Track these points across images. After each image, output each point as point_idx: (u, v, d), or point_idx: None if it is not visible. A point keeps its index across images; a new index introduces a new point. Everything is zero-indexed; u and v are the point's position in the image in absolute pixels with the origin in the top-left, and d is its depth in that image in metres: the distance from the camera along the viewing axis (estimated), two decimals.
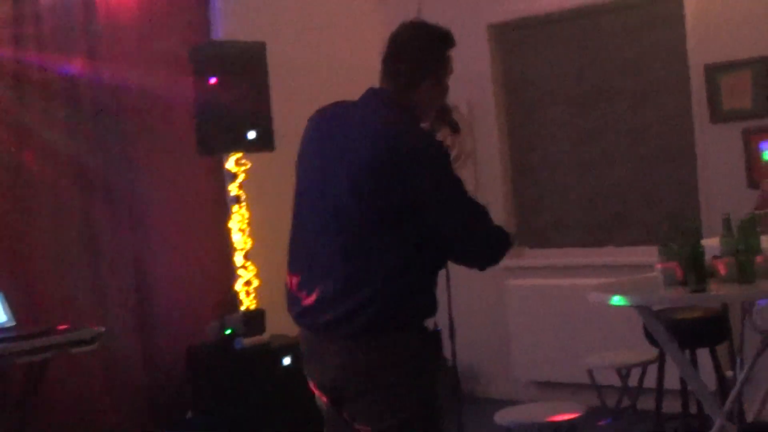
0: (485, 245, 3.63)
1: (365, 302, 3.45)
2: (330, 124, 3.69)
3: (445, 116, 3.91)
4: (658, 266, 4.63)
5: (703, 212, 6.75)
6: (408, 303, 3.51)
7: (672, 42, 6.99)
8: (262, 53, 6.82)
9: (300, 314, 3.64)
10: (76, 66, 6.67)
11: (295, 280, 3.65)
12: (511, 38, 7.81)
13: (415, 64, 3.64)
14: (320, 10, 7.85)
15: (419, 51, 3.66)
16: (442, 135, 3.90)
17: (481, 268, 3.74)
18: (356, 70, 7.96)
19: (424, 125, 3.74)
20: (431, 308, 3.61)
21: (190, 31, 7.19)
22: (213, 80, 6.59)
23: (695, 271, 4.36)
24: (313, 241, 3.60)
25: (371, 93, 3.70)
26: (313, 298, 3.57)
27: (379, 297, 3.45)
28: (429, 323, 3.61)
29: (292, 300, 3.67)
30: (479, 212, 3.56)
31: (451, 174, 3.52)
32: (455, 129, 4.08)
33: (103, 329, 5.99)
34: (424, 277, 3.57)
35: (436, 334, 3.77)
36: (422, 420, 3.56)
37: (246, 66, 6.75)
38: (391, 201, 3.45)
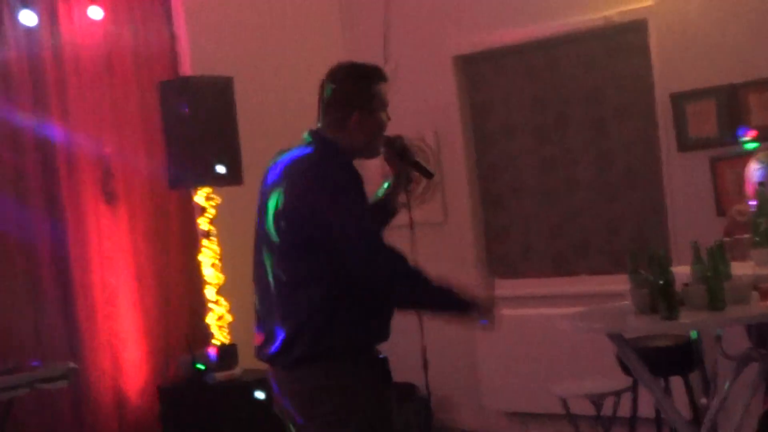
0: (376, 270, 3.68)
1: (295, 334, 3.65)
2: (270, 168, 3.91)
3: (404, 158, 4.09)
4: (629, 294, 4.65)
5: (671, 240, 6.79)
6: (337, 332, 3.65)
7: (636, 71, 7.06)
8: (229, 88, 6.83)
9: (256, 350, 3.90)
10: (43, 103, 6.65)
11: (256, 318, 3.91)
12: (476, 69, 7.86)
13: (341, 100, 3.82)
14: (287, 46, 7.87)
15: (345, 87, 3.83)
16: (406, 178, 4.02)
17: (385, 296, 3.77)
18: None
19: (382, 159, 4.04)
20: (368, 335, 3.75)
21: (159, 67, 7.18)
22: (182, 114, 6.58)
23: (666, 298, 4.37)
24: (263, 280, 3.83)
25: (306, 134, 3.88)
26: (262, 335, 3.83)
27: (306, 329, 3.64)
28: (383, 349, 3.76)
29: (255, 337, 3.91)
30: (370, 241, 3.67)
31: (349, 201, 3.65)
32: (427, 175, 4.17)
33: (74, 365, 5.95)
34: (354, 306, 3.68)
35: (379, 361, 3.83)
36: None
37: (214, 100, 6.75)
38: (302, 234, 3.64)
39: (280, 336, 3.70)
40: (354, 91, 3.83)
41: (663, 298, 4.35)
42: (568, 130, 7.42)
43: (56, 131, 6.70)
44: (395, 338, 8.26)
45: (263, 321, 3.85)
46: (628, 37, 7.08)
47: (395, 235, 7.87)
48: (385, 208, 4.23)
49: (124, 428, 6.82)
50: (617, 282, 6.56)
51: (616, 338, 4.65)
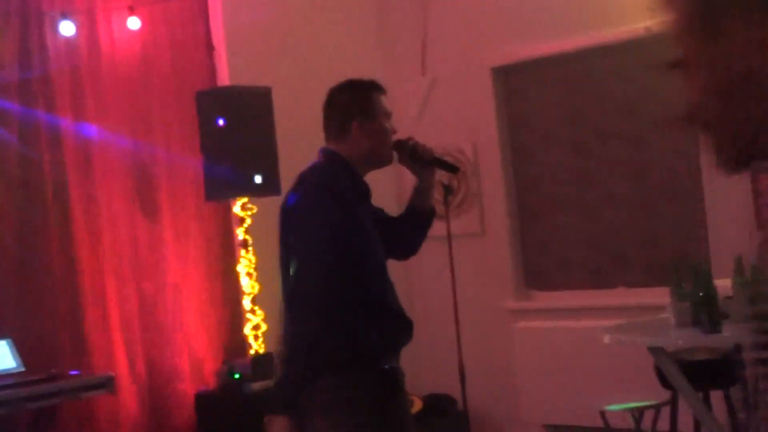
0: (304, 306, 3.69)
1: (293, 349, 3.68)
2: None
3: (420, 158, 4.07)
4: (670, 307, 4.64)
5: (711, 253, 6.73)
6: (333, 345, 3.67)
7: (675, 82, 6.98)
8: (267, 98, 6.85)
9: None
10: (81, 112, 6.69)
11: None
12: (514, 80, 7.84)
13: (340, 112, 3.94)
14: (325, 56, 7.87)
15: (342, 99, 3.97)
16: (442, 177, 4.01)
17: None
18: None
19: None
20: (368, 347, 3.74)
21: (197, 77, 7.21)
22: (220, 125, 6.61)
23: (708, 311, 4.35)
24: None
25: (320, 151, 3.98)
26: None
27: (301, 342, 3.66)
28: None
29: None
30: (318, 277, 3.67)
31: (319, 225, 3.71)
32: (451, 169, 4.15)
33: (113, 374, 6.01)
34: (350, 317, 3.70)
35: (383, 372, 3.81)
36: None
37: (252, 111, 6.78)
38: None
39: (291, 347, 3.73)
40: (351, 101, 3.95)
41: (706, 311, 4.33)
42: (607, 143, 7.38)
43: (95, 140, 6.74)
44: (433, 351, 8.31)
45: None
46: (664, 48, 7.01)
47: (432, 246, 7.93)
48: (417, 213, 4.20)
49: None
50: (655, 295, 6.55)
51: (657, 351, 4.63)
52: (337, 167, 3.88)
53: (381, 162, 4.01)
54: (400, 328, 3.92)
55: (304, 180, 3.86)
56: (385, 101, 3.99)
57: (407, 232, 4.20)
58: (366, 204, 3.96)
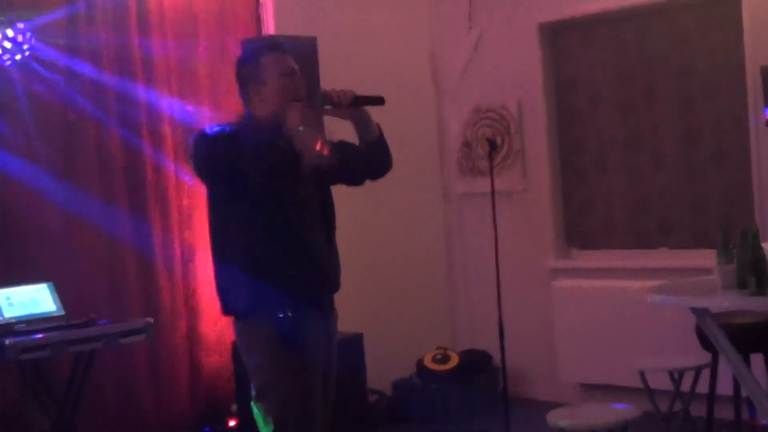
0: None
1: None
2: None
3: (339, 104, 4.13)
4: (717, 269, 4.59)
5: (757, 217, 6.67)
6: (234, 293, 4.08)
7: (727, 44, 6.91)
8: (313, 48, 6.80)
9: None
10: (126, 65, 6.69)
11: None
12: (562, 39, 7.76)
13: (238, 82, 4.18)
14: (372, 8, 7.83)
15: (238, 69, 4.20)
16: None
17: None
18: (404, 69, 8.00)
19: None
20: (258, 297, 4.00)
21: (242, 27, 7.18)
22: None
23: (756, 274, 4.31)
24: None
25: None
26: None
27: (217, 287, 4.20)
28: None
29: None
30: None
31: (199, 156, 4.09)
32: (377, 102, 4.23)
33: (151, 320, 6.05)
34: (238, 267, 4.00)
35: (279, 320, 4.01)
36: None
37: (297, 61, 6.71)
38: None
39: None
40: (242, 69, 4.16)
41: (753, 273, 4.28)
42: (655, 106, 7.30)
43: (139, 88, 6.74)
44: (472, 307, 8.34)
45: None
46: (720, 10, 6.94)
47: (476, 202, 7.92)
48: (370, 144, 4.28)
49: (198, 384, 6.90)
50: (699, 257, 6.53)
51: (701, 313, 4.58)
52: (245, 125, 4.09)
53: (286, 116, 4.08)
54: (304, 274, 4.06)
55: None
56: (281, 59, 4.14)
57: (371, 159, 4.31)
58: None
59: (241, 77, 4.15)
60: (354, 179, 4.37)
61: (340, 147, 4.22)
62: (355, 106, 4.18)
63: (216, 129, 4.05)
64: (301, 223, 4.07)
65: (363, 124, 4.22)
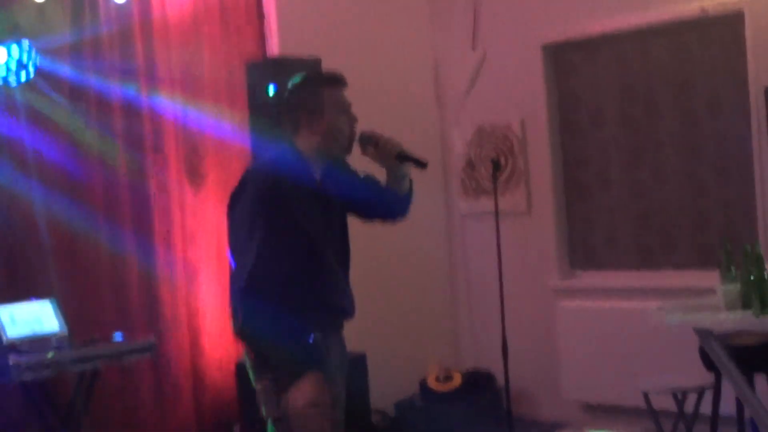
0: (235, 297, 3.80)
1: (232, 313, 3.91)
2: None
3: (384, 153, 4.12)
4: (719, 289, 4.59)
5: (760, 235, 6.67)
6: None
7: (729, 62, 6.92)
8: (317, 69, 6.81)
9: None
10: (130, 79, 6.71)
11: None
12: (565, 57, 7.77)
13: (289, 111, 4.03)
14: (375, 29, 7.85)
15: (292, 99, 4.04)
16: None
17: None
18: (408, 88, 8.02)
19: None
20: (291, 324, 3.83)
21: (246, 47, 7.20)
22: (272, 90, 6.61)
23: (759, 295, 4.31)
24: None
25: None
26: None
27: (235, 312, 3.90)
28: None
29: None
30: (248, 265, 3.77)
31: (251, 217, 3.82)
32: (418, 165, 4.23)
33: (155, 340, 6.05)
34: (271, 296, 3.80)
35: (306, 346, 3.89)
36: None
37: None
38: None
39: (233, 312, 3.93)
40: (299, 99, 4.02)
41: (756, 294, 4.28)
42: (658, 122, 7.31)
43: (143, 106, 6.76)
44: (475, 327, 8.33)
45: None
46: (723, 29, 6.95)
47: (480, 222, 7.92)
48: (392, 191, 4.29)
49: (202, 403, 6.89)
50: (703, 278, 6.50)
51: (705, 334, 4.59)
52: (287, 158, 3.96)
53: (334, 154, 4.06)
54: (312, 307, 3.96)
55: (247, 178, 3.98)
56: (340, 94, 4.04)
57: (393, 205, 4.32)
58: (313, 196, 3.99)
59: (292, 103, 4.03)
60: (367, 216, 4.34)
61: (370, 181, 4.25)
62: (398, 160, 4.16)
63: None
64: (331, 257, 4.06)
65: (398, 179, 4.22)
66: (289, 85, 4.06)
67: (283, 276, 3.80)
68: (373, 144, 4.11)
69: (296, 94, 4.03)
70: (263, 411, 3.93)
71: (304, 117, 3.97)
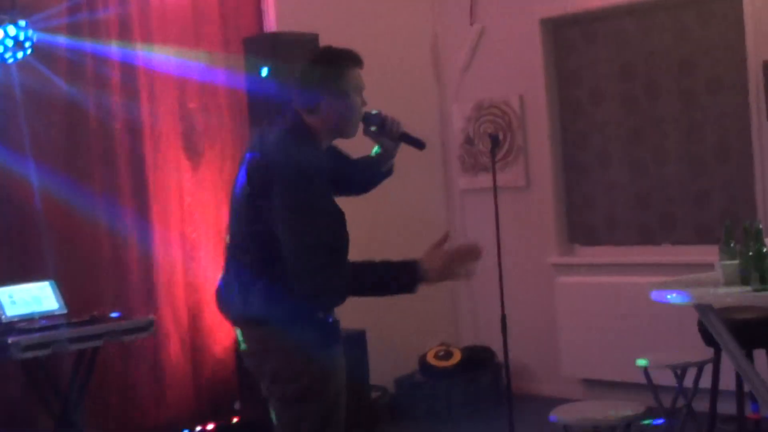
0: (307, 279, 3.71)
1: (245, 296, 3.86)
2: (246, 151, 4.00)
3: (387, 134, 4.10)
4: (719, 265, 4.59)
5: (759, 212, 6.67)
6: (280, 298, 3.78)
7: (729, 39, 6.91)
8: (315, 45, 6.79)
9: (216, 299, 4.14)
10: (129, 57, 6.69)
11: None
12: (564, 33, 7.75)
13: (311, 87, 3.87)
14: (373, 2, 7.82)
15: (315, 75, 3.88)
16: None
17: (305, 299, 3.77)
18: (406, 64, 8.00)
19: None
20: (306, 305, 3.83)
21: (244, 23, 7.17)
22: (266, 71, 6.58)
23: (759, 270, 4.30)
24: (231, 236, 4.01)
25: (280, 116, 3.96)
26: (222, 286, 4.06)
27: (254, 292, 3.83)
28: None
29: None
30: (316, 245, 3.68)
31: (305, 197, 3.69)
32: (417, 145, 4.21)
33: (154, 318, 6.05)
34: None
35: (322, 325, 3.93)
36: None
37: (299, 57, 6.71)
38: (258, 209, 3.76)
39: (235, 295, 3.90)
40: (322, 77, 3.88)
41: (756, 269, 4.28)
42: (658, 100, 7.29)
43: (142, 85, 6.73)
44: (474, 304, 8.34)
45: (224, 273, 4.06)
46: (721, 6, 6.93)
47: (479, 198, 7.91)
48: (377, 171, 4.31)
49: (201, 382, 6.90)
50: (702, 253, 6.52)
51: (704, 309, 4.58)
52: (301, 140, 3.85)
53: (344, 135, 3.99)
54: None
55: (275, 146, 3.83)
56: (359, 75, 3.94)
57: (363, 177, 4.32)
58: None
59: (317, 85, 3.86)
60: (346, 193, 4.26)
61: (356, 160, 4.27)
62: (400, 140, 4.16)
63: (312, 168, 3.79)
64: None
65: (390, 157, 4.21)
66: (311, 61, 3.95)
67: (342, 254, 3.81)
68: (379, 124, 4.08)
69: (319, 72, 3.90)
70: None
71: (326, 98, 3.86)
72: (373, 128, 4.09)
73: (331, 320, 3.92)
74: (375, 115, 4.07)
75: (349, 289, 3.78)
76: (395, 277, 3.87)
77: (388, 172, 4.33)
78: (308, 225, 3.68)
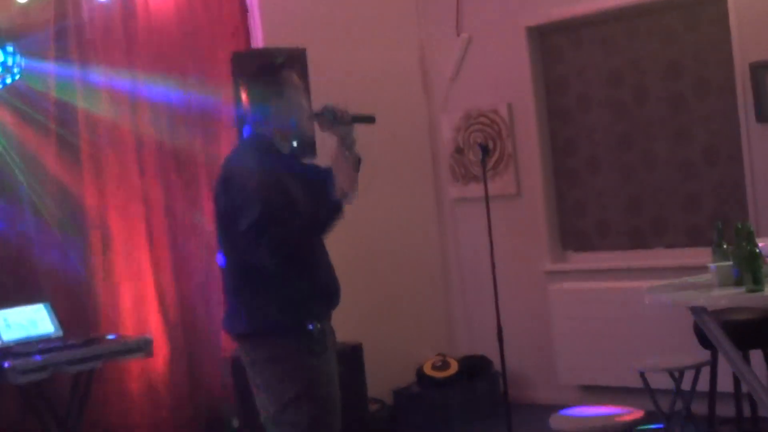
0: (265, 249, 3.90)
1: (237, 311, 4.13)
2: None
3: (340, 122, 4.16)
4: (713, 267, 4.60)
5: (750, 213, 6.68)
6: (264, 311, 4.05)
7: (715, 42, 6.93)
8: (302, 59, 6.81)
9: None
10: (116, 74, 6.69)
11: None
12: (551, 41, 7.77)
13: (257, 100, 4.14)
14: (360, 17, 7.83)
15: (256, 89, 4.17)
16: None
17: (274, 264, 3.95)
18: (394, 76, 8.00)
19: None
20: (291, 314, 4.04)
21: (231, 39, 7.17)
22: None
23: (751, 271, 4.31)
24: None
25: (240, 135, 4.36)
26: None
27: (242, 308, 4.12)
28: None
29: None
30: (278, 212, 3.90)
31: (257, 183, 3.92)
32: (369, 121, 4.26)
33: (150, 338, 6.05)
34: (268, 289, 4.01)
35: (306, 333, 4.07)
36: None
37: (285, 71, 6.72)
38: (226, 221, 4.02)
39: (230, 311, 4.17)
40: (265, 86, 4.14)
41: (749, 270, 4.29)
42: (646, 105, 7.31)
43: (129, 102, 6.73)
44: (468, 313, 8.33)
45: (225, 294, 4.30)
46: (707, 8, 6.95)
47: (470, 207, 7.92)
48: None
49: (196, 400, 6.87)
50: (694, 255, 6.54)
51: (699, 311, 4.59)
52: (257, 150, 4.07)
53: (302, 135, 4.22)
54: (311, 297, 4.12)
55: (232, 161, 4.12)
56: (293, 75, 4.17)
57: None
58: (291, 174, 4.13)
59: (257, 94, 4.14)
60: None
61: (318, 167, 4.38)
62: (353, 122, 4.21)
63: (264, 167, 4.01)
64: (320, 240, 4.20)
65: (350, 142, 4.24)
66: (247, 77, 4.25)
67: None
68: (331, 115, 4.15)
69: (255, 84, 4.16)
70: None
71: (274, 104, 4.09)
72: (329, 120, 4.15)
73: (312, 328, 4.03)
74: (325, 109, 4.17)
75: (304, 234, 3.98)
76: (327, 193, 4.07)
77: (359, 161, 4.30)
78: (258, 202, 3.88)
